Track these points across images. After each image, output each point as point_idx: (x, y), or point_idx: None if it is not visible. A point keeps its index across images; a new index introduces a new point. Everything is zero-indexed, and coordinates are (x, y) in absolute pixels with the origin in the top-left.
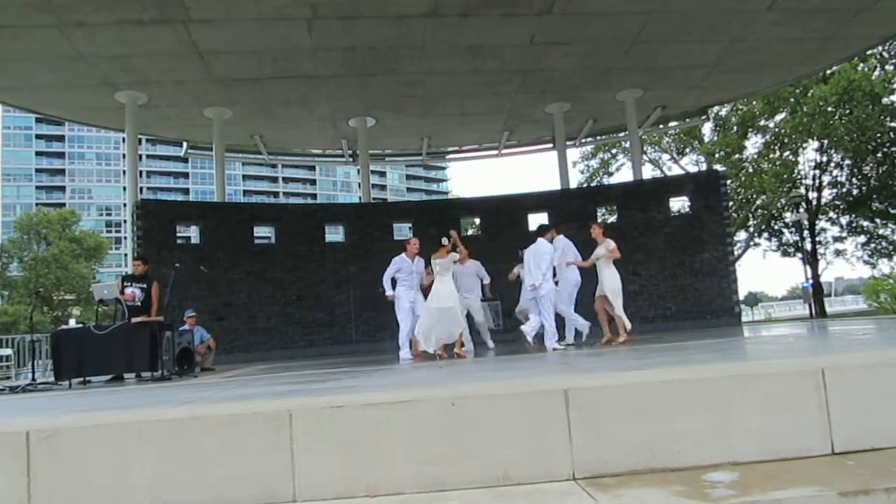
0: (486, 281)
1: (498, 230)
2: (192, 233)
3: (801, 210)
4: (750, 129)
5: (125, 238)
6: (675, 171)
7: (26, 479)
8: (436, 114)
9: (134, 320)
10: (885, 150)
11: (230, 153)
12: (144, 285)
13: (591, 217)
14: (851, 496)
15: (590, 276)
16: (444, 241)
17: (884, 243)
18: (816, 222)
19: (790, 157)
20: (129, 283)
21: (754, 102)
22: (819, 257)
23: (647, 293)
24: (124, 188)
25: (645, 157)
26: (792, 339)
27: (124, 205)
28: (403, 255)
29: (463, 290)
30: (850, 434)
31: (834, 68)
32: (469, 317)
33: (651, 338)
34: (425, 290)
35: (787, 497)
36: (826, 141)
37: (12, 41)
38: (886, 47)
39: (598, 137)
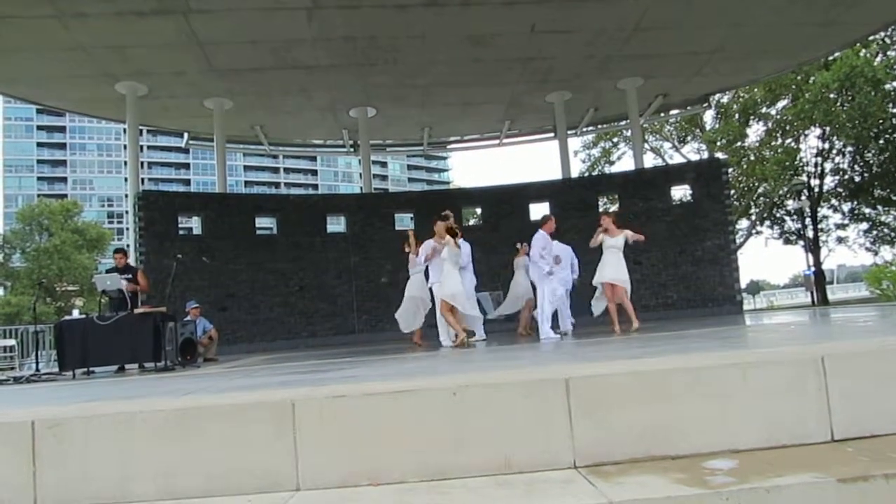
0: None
1: (499, 220)
2: (194, 224)
3: (803, 197)
4: (751, 117)
5: (127, 229)
6: (677, 159)
7: (31, 468)
8: (437, 103)
9: (137, 311)
10: (888, 136)
11: (231, 144)
12: (130, 276)
13: (592, 206)
14: (850, 482)
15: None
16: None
17: (886, 230)
18: (818, 209)
19: (792, 144)
20: None
21: (755, 90)
22: (821, 245)
23: (649, 282)
24: (126, 179)
25: (646, 145)
26: (793, 326)
27: (126, 196)
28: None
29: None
30: (849, 421)
31: (836, 54)
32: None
33: (652, 326)
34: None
35: (786, 483)
36: (828, 128)
37: (12, 32)
38: (888, 33)
39: (600, 126)
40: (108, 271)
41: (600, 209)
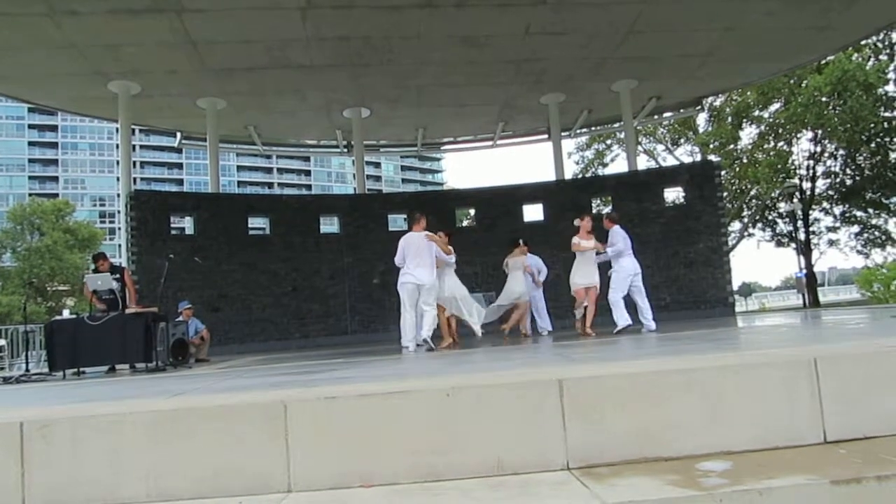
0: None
1: (493, 221)
2: (187, 223)
3: (795, 200)
4: (744, 120)
5: (119, 229)
6: (670, 161)
7: (20, 469)
8: (431, 104)
9: (128, 311)
10: (879, 140)
11: (224, 143)
12: (118, 275)
13: (586, 208)
14: (843, 484)
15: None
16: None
17: (877, 233)
18: (810, 212)
19: (784, 147)
20: None
21: (748, 93)
22: (813, 247)
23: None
24: (118, 178)
25: (640, 147)
26: (785, 328)
27: (118, 195)
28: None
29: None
30: (842, 423)
31: (828, 58)
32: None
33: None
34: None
35: (779, 485)
36: (820, 131)
37: (3, 30)
38: (880, 37)
39: (593, 128)
40: (94, 271)
41: (593, 211)
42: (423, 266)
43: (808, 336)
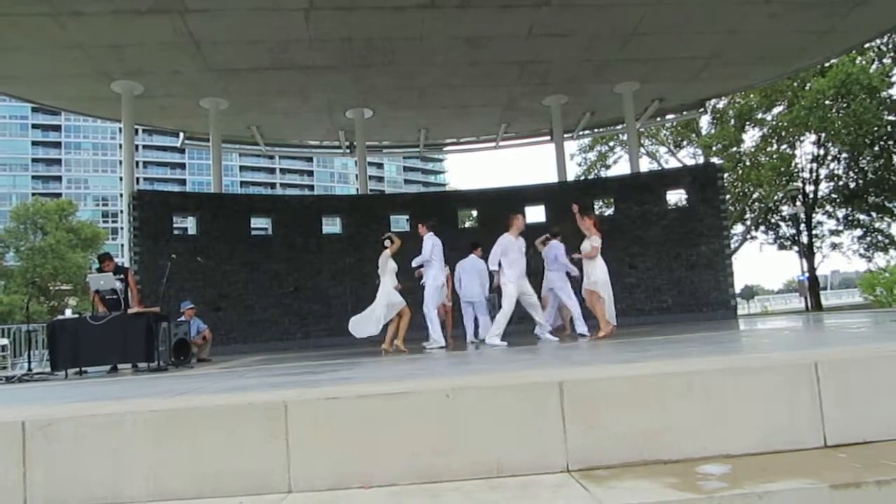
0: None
1: (495, 223)
2: (189, 224)
3: (798, 203)
4: (747, 123)
5: (122, 228)
6: (673, 163)
7: (22, 468)
8: (433, 105)
9: (130, 311)
10: (882, 143)
11: (227, 144)
12: (121, 276)
13: (588, 210)
14: (842, 489)
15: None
16: (387, 243)
17: (879, 237)
18: (813, 215)
19: (787, 150)
20: None
21: (752, 95)
22: (815, 251)
23: (644, 286)
24: (121, 178)
25: (642, 149)
26: (787, 332)
27: (121, 195)
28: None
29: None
30: (842, 427)
31: (832, 61)
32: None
33: (647, 330)
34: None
35: (778, 489)
36: (823, 134)
37: (7, 30)
38: (884, 41)
39: (596, 130)
40: (98, 270)
41: (596, 212)
42: (510, 266)
43: (810, 340)
